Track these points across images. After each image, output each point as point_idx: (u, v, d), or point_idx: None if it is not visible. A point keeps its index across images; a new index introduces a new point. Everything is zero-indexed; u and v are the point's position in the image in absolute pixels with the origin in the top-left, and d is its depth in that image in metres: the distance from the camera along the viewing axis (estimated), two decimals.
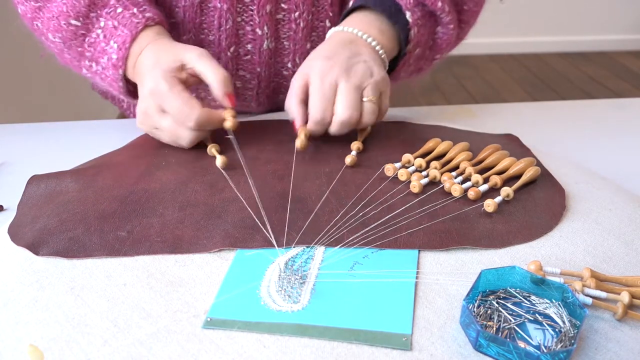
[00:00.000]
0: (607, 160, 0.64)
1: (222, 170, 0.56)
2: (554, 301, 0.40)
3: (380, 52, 0.63)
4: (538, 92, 2.96)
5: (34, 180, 0.55)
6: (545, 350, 0.36)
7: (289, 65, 0.73)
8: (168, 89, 0.57)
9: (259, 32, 0.69)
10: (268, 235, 0.46)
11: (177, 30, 0.70)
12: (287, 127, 0.66)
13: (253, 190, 0.51)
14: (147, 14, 0.62)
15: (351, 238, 0.46)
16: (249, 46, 0.70)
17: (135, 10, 0.61)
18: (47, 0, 0.63)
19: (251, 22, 0.69)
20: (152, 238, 0.46)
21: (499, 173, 0.55)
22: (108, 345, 0.37)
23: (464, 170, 0.55)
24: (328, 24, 0.71)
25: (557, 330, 0.38)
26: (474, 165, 0.56)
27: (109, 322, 0.38)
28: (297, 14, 0.69)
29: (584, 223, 0.49)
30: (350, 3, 0.68)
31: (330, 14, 0.71)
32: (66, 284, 0.42)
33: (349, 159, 0.57)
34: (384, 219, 0.48)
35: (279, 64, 0.73)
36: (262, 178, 0.55)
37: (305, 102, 0.60)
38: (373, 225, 0.47)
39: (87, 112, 2.14)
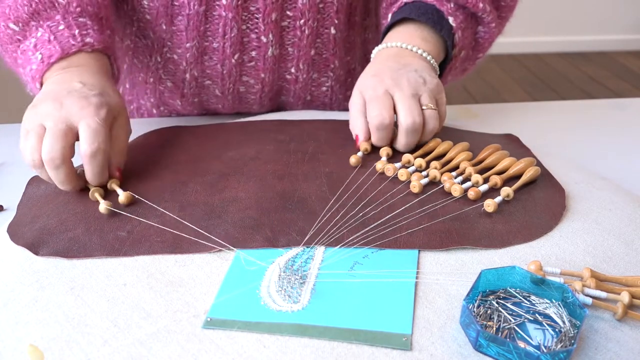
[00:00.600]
0: (607, 160, 0.64)
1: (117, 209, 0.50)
2: (554, 301, 0.40)
3: (429, 58, 0.63)
4: (538, 92, 2.96)
5: (34, 180, 0.56)
6: (545, 350, 0.36)
7: (292, 70, 0.73)
8: (101, 125, 0.51)
9: (263, 39, 0.69)
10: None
11: (179, 38, 0.70)
12: (287, 127, 0.66)
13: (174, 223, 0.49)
14: (87, 39, 0.59)
15: (351, 238, 0.46)
16: (254, 53, 0.70)
17: (76, 32, 0.58)
18: None
19: (256, 30, 0.68)
20: (152, 238, 0.46)
21: (499, 173, 0.55)
22: (108, 345, 0.37)
23: (464, 170, 0.55)
24: (333, 31, 0.71)
25: (557, 330, 0.38)
26: (474, 165, 0.56)
27: (109, 322, 0.38)
28: (302, 21, 0.69)
29: (584, 223, 0.49)
30: (389, 18, 0.67)
31: (336, 21, 0.71)
32: (66, 284, 0.42)
33: (353, 159, 0.57)
34: (384, 219, 0.48)
35: (283, 69, 0.73)
36: (262, 178, 0.55)
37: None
38: (373, 225, 0.47)
39: None
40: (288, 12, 0.68)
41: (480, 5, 0.64)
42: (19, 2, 0.59)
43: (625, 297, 0.39)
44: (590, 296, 0.40)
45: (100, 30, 0.61)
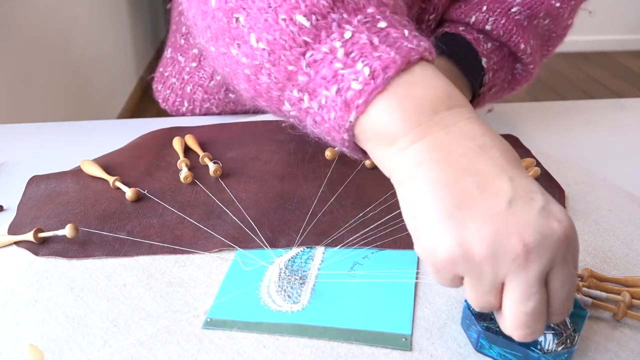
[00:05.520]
0: (607, 160, 0.64)
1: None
2: None
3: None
4: (538, 92, 2.96)
5: (34, 180, 0.55)
6: (546, 351, 0.36)
7: None
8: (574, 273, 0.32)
9: None
10: (261, 243, 0.46)
11: None
12: (286, 127, 0.66)
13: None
14: (424, 43, 0.37)
15: (351, 238, 0.46)
16: None
17: (406, 32, 0.37)
18: None
19: None
20: (152, 238, 0.46)
21: None
22: (108, 345, 0.37)
23: None
24: None
25: (557, 331, 0.38)
26: None
27: (109, 322, 0.38)
28: None
29: (584, 223, 0.49)
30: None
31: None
32: (66, 284, 0.42)
33: (329, 153, 0.57)
34: (384, 219, 0.48)
35: None
36: (261, 178, 0.55)
37: None
38: (373, 226, 0.47)
39: (87, 112, 2.14)
40: None
41: (522, 46, 0.61)
42: None
43: (625, 297, 0.39)
44: (590, 296, 0.40)
45: (418, 28, 0.40)
